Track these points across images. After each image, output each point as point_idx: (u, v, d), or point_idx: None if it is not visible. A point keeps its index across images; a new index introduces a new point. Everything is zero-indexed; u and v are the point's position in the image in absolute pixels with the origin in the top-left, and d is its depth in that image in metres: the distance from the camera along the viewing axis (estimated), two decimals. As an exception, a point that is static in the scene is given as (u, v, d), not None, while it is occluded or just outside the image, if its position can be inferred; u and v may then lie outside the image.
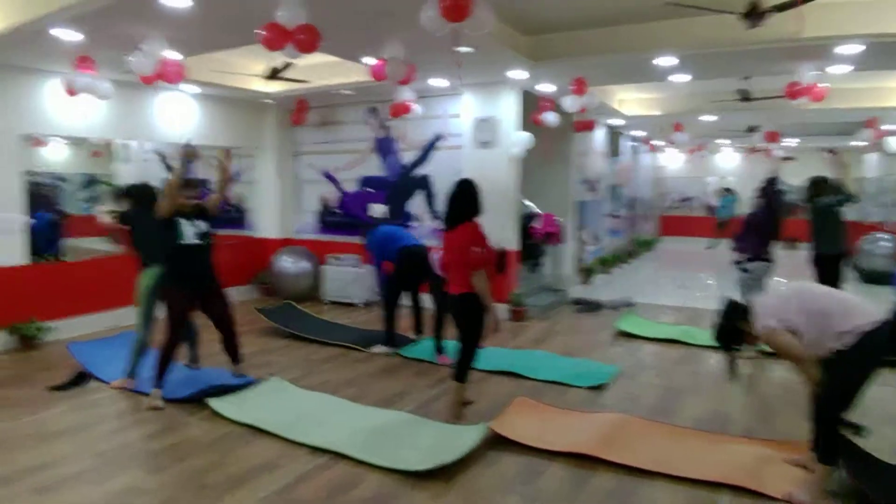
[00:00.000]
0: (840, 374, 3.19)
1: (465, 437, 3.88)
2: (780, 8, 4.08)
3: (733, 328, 3.48)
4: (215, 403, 4.45)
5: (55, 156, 8.06)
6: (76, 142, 7.78)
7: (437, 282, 5.56)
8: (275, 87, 8.02)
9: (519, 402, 4.57)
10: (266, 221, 9.43)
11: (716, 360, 6.00)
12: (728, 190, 16.63)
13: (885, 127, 10.77)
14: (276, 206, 9.37)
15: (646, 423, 4.32)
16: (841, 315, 3.15)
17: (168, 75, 5.02)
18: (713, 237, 16.11)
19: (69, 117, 6.68)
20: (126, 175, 8.09)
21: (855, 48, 5.45)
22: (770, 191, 5.97)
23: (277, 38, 4.01)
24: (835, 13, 4.73)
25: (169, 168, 9.83)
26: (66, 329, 6.52)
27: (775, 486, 3.36)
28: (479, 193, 4.31)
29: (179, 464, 3.65)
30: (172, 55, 5.23)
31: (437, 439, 3.97)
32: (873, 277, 10.51)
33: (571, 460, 3.73)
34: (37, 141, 7.09)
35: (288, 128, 9.33)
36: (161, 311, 4.97)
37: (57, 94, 6.36)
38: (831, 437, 3.23)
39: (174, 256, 4.62)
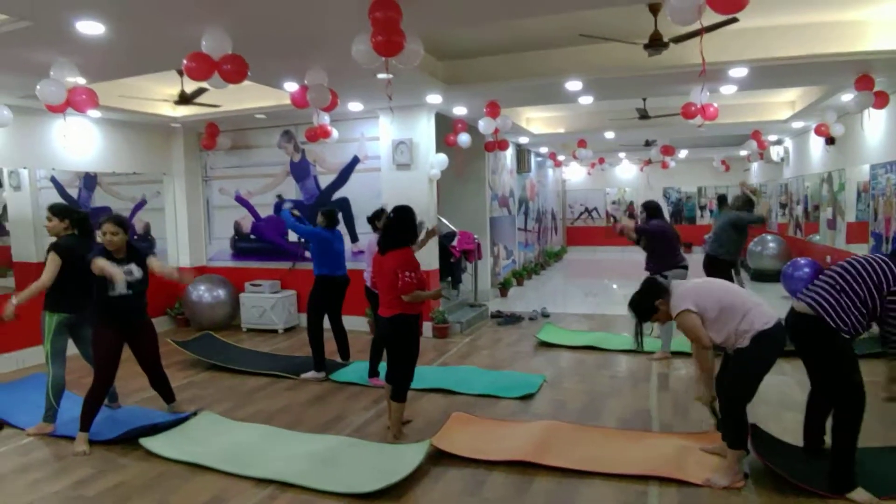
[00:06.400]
0: (741, 368, 3.56)
1: (410, 456, 3.97)
2: (678, 40, 4.49)
3: (649, 304, 3.77)
4: (148, 442, 4.30)
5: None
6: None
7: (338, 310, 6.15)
8: (183, 111, 7.83)
9: (455, 417, 4.71)
10: (177, 250, 9.12)
11: (631, 363, 6.39)
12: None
13: (768, 138, 11.82)
14: (186, 234, 9.08)
15: (576, 427, 4.57)
16: (745, 314, 3.51)
17: (79, 104, 4.82)
18: None
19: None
20: (17, 203, 7.64)
21: (741, 71, 6.04)
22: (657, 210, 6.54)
23: (203, 68, 3.98)
24: (724, 41, 5.23)
25: (66, 197, 9.38)
26: (-37, 375, 6.08)
27: (696, 474, 3.69)
28: (415, 220, 4.43)
29: (120, 508, 3.52)
30: (81, 82, 5.05)
31: (382, 460, 4.03)
32: (762, 276, 11.47)
33: (511, 468, 3.90)
34: None
35: (197, 152, 9.10)
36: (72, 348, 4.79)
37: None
38: (737, 425, 3.59)
39: (102, 306, 4.41)
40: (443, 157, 7.73)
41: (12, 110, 5.85)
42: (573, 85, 6.53)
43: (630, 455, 4.02)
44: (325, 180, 8.48)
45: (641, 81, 6.52)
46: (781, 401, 5.05)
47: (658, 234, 6.33)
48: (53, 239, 4.70)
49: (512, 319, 8.61)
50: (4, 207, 7.81)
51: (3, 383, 5.74)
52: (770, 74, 6.33)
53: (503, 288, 10.83)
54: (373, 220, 5.89)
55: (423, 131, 7.73)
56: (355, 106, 7.40)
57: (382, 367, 5.84)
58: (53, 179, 9.47)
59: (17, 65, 4.98)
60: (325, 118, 6.76)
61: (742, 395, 3.56)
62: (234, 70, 4.09)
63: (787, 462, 3.68)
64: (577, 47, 5.97)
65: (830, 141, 8.87)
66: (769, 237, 12.19)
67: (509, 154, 11.87)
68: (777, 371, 5.79)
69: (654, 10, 4.66)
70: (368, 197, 8.08)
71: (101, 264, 4.16)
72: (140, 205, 9.50)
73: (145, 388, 5.22)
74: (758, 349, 3.49)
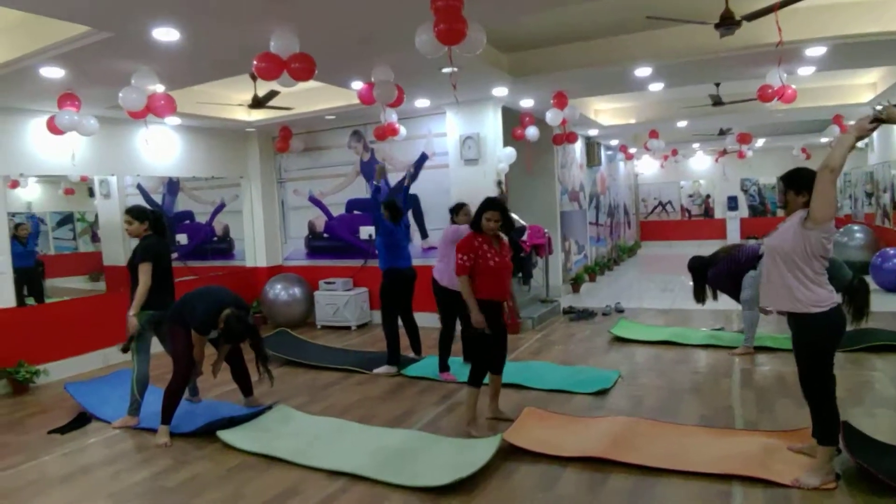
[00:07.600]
0: (806, 350, 3.37)
1: (481, 450, 3.92)
2: (751, 17, 4.26)
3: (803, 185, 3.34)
4: (225, 435, 4.43)
5: (27, 195, 7.85)
6: (50, 180, 7.65)
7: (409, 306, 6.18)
8: (257, 115, 8.05)
9: (528, 412, 4.62)
10: (254, 250, 9.41)
11: (711, 358, 6.13)
12: None
13: (850, 123, 11.09)
14: (263, 235, 9.36)
15: (653, 424, 4.40)
16: (824, 273, 3.31)
17: (158, 109, 5.03)
18: None
19: (51, 155, 6.64)
20: (107, 211, 8.04)
21: (819, 50, 5.70)
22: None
23: (272, 67, 4.07)
24: (799, 18, 4.94)
25: (152, 202, 9.85)
26: (56, 371, 6.44)
27: (783, 474, 3.47)
28: (481, 212, 4.41)
29: (197, 498, 3.62)
30: (160, 89, 5.26)
31: (453, 454, 4.00)
32: (849, 268, 10.79)
33: (585, 465, 3.79)
34: (13, 182, 6.96)
35: (271, 155, 9.37)
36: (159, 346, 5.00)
37: (38, 133, 6.34)
38: (827, 416, 3.36)
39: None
40: (511, 151, 7.65)
41: (99, 121, 6.15)
42: (642, 71, 6.32)
43: (712, 453, 3.84)
44: (394, 178, 8.55)
45: (714, 64, 6.22)
46: (873, 398, 4.74)
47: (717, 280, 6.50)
48: (136, 241, 4.91)
49: (584, 315, 8.43)
50: (96, 216, 8.25)
51: (91, 379, 6.06)
52: (849, 53, 5.95)
53: (575, 283, 10.63)
54: (452, 212, 6.01)
55: (490, 125, 7.67)
56: (422, 102, 7.42)
57: (453, 361, 5.86)
58: (139, 186, 9.93)
59: (102, 76, 5.23)
60: (393, 116, 6.81)
61: (819, 374, 3.34)
62: (302, 68, 4.15)
63: (883, 461, 3.42)
64: (644, 32, 5.78)
65: (920, 124, 8.25)
66: (855, 227, 11.47)
67: (578, 147, 11.65)
68: (868, 367, 5.49)
69: (726, -14, 4.44)
70: (437, 193, 8.09)
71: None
72: (219, 208, 9.84)
73: (224, 382, 5.40)
74: (812, 330, 3.32)
